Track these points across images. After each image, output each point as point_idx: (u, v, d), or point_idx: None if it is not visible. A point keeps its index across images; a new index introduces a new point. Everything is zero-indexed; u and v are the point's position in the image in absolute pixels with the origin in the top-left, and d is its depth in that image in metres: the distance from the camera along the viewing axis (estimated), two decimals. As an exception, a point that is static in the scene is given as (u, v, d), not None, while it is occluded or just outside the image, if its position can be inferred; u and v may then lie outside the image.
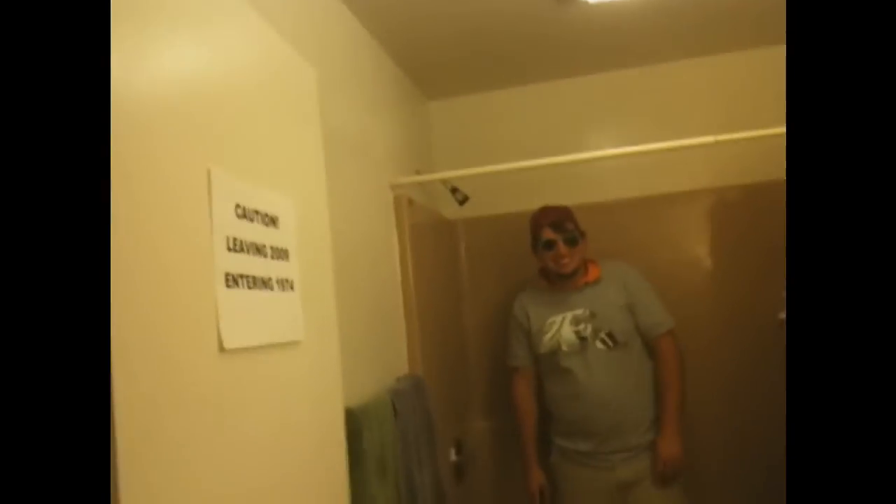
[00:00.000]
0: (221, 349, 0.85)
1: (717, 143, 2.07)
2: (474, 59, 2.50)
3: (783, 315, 2.47)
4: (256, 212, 1.00)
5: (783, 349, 2.17)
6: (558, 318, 2.31)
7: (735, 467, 2.56)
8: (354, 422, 1.41)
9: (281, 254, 1.05)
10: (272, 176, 1.08)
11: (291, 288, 1.06)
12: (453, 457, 2.36)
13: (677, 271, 2.63)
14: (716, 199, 2.69)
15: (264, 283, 0.99)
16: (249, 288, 0.94)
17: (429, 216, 2.48)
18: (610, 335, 2.25)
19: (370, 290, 1.85)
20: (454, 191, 2.54)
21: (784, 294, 2.56)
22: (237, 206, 0.95)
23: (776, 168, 2.07)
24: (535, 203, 2.52)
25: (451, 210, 2.71)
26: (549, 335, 2.31)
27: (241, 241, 0.94)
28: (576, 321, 2.28)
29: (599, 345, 2.25)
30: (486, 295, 2.80)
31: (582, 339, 2.26)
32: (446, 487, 1.89)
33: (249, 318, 0.93)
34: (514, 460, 2.56)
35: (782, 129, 2.00)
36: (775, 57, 2.75)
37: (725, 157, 2.56)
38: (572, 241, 2.26)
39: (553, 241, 2.26)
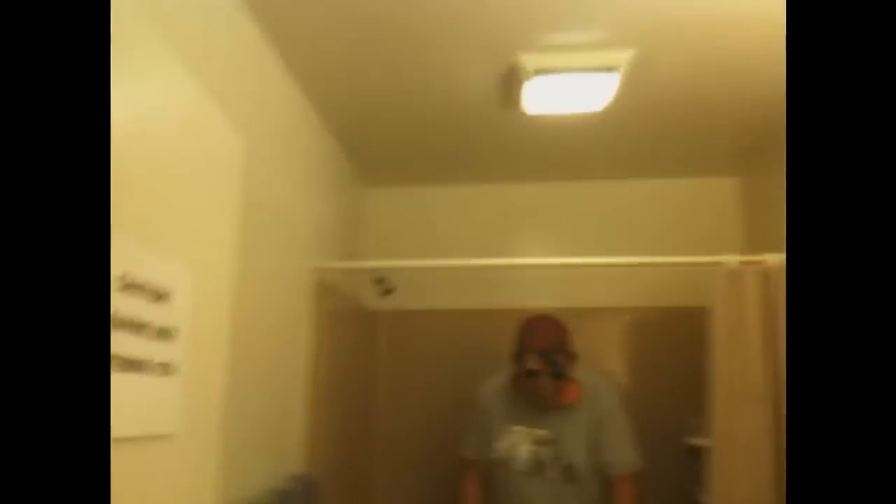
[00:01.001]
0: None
1: (640, 264, 2.09)
2: (417, 152, 2.50)
3: (690, 441, 2.45)
4: (144, 285, 0.90)
5: (691, 474, 2.10)
6: (519, 432, 2.05)
7: None
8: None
9: (165, 334, 0.94)
10: (172, 244, 0.98)
11: (172, 373, 0.95)
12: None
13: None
14: (635, 319, 2.71)
15: (139, 367, 0.88)
16: (122, 371, 0.83)
17: (349, 304, 2.39)
18: (568, 468, 1.99)
19: (272, 377, 1.73)
20: (380, 281, 2.47)
21: (694, 421, 2.52)
22: (124, 275, 0.85)
23: (698, 295, 2.10)
24: (461, 301, 2.47)
25: (374, 300, 2.63)
26: (504, 445, 2.04)
27: (121, 318, 0.83)
28: (536, 442, 2.02)
29: (555, 474, 1.99)
30: (403, 389, 2.68)
31: (538, 462, 2.01)
32: None
33: (116, 406, 0.81)
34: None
35: (708, 258, 2.04)
36: (711, 187, 2.88)
37: (649, 279, 2.61)
38: (558, 376, 1.96)
39: (536, 372, 1.95)
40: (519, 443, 2.02)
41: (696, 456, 2.09)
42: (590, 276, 2.66)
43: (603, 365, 2.69)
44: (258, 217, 1.58)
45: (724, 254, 2.06)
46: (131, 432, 0.85)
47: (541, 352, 1.95)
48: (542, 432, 1.99)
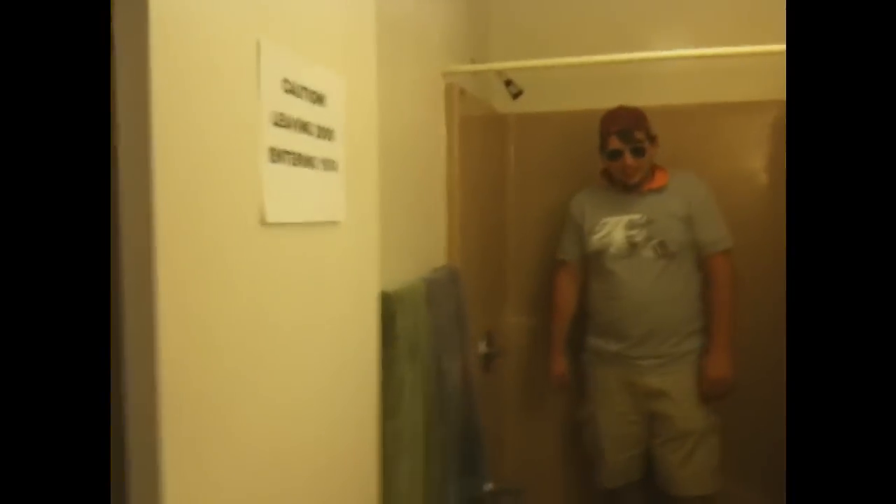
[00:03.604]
0: (263, 222, 0.87)
1: (784, 52, 1.94)
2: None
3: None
4: (304, 88, 0.98)
5: None
6: (613, 220, 2.29)
7: (769, 394, 2.56)
8: (389, 305, 1.45)
9: (326, 133, 1.04)
10: (322, 52, 1.05)
11: (335, 169, 1.06)
12: (483, 348, 2.43)
13: (734, 186, 2.53)
14: (781, 113, 2.55)
15: (308, 162, 0.99)
16: (294, 165, 0.95)
17: (480, 108, 2.42)
18: (662, 244, 2.22)
19: (414, 178, 1.85)
20: (508, 83, 2.46)
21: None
22: (285, 80, 0.93)
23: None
24: (591, 102, 2.43)
25: (503, 103, 2.64)
26: (599, 235, 2.30)
27: (288, 117, 0.93)
28: (630, 225, 2.26)
29: (649, 252, 2.23)
30: (531, 193, 2.77)
31: (633, 244, 2.25)
32: (473, 375, 1.95)
33: (292, 195, 0.94)
34: (543, 356, 2.62)
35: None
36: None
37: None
38: (639, 152, 2.20)
39: (619, 151, 2.20)
40: (613, 229, 2.25)
41: None
42: (732, 68, 2.49)
43: (748, 162, 2.61)
44: (388, 23, 1.60)
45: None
46: (311, 218, 0.99)
47: (619, 132, 2.19)
48: (634, 216, 2.24)
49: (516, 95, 2.45)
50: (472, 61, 2.38)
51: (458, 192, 2.12)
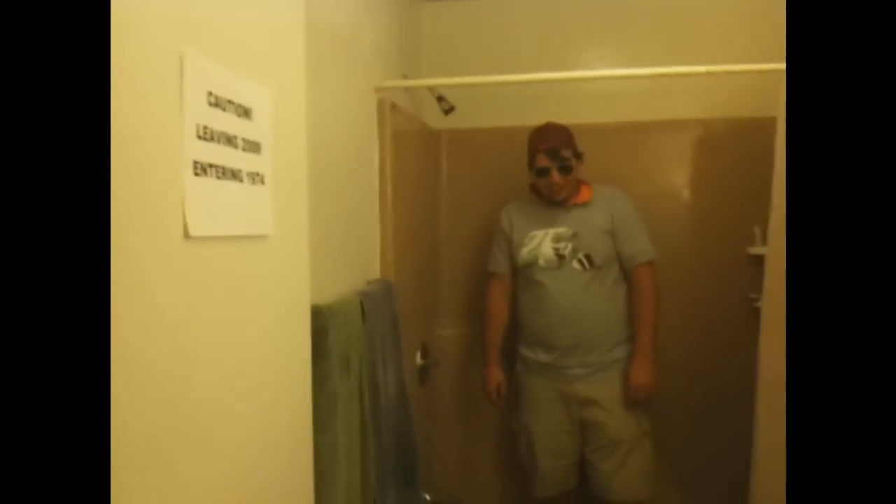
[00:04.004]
0: (187, 236, 0.86)
1: (708, 73, 2.05)
2: (471, -39, 2.41)
3: (753, 250, 2.54)
4: (230, 101, 0.98)
5: (752, 283, 2.22)
6: (540, 234, 2.36)
7: (697, 398, 2.66)
8: (321, 319, 1.45)
9: (253, 146, 1.04)
10: (249, 65, 1.05)
11: (262, 182, 1.06)
12: (419, 360, 2.44)
13: (656, 201, 2.65)
14: (704, 131, 2.68)
15: (234, 175, 0.99)
16: (218, 178, 0.94)
17: (412, 123, 2.45)
18: (588, 257, 2.30)
19: (347, 192, 1.85)
20: (440, 99, 2.50)
21: (756, 230, 2.62)
22: (210, 93, 0.93)
23: (765, 104, 2.06)
24: (522, 119, 2.50)
25: (435, 119, 2.68)
26: (528, 248, 2.36)
27: (212, 131, 0.93)
28: (557, 239, 2.33)
29: (576, 265, 2.31)
30: (464, 206, 2.82)
31: (560, 256, 2.32)
32: (409, 387, 1.96)
33: (217, 208, 0.94)
34: (478, 367, 2.65)
35: (776, 66, 1.97)
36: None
37: (717, 89, 2.54)
38: (566, 170, 2.28)
39: (547, 169, 2.28)
40: (541, 242, 2.34)
41: (758, 265, 2.20)
42: (656, 88, 2.61)
43: (670, 178, 2.72)
44: (320, 36, 1.61)
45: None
46: (237, 231, 0.98)
47: (547, 150, 2.26)
48: (561, 229, 2.31)
49: (448, 111, 2.50)
50: (405, 77, 2.41)
51: (392, 206, 2.13)
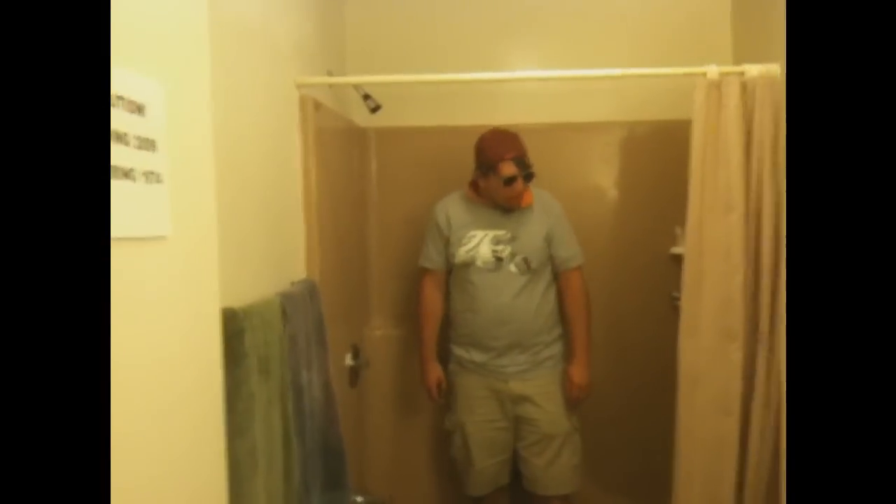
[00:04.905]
0: (71, 238, 0.82)
1: (623, 76, 2.10)
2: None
3: (675, 250, 2.60)
4: (120, 97, 0.94)
5: (675, 283, 2.28)
6: (480, 234, 2.34)
7: (622, 393, 2.72)
8: (235, 321, 1.41)
9: (148, 144, 1.00)
10: (143, 61, 1.01)
11: (159, 181, 1.02)
12: (349, 361, 2.41)
13: (580, 202, 2.68)
14: (626, 132, 2.73)
15: (126, 174, 0.94)
16: (112, 177, 0.90)
17: (337, 121, 2.42)
18: (525, 260, 2.31)
19: (267, 192, 1.81)
20: (366, 97, 2.47)
21: (677, 230, 2.68)
22: (97, 89, 0.89)
23: (683, 107, 2.11)
24: (449, 118, 2.50)
25: (364, 117, 2.65)
26: (465, 248, 2.35)
27: (100, 128, 0.89)
28: (496, 241, 2.33)
29: (513, 268, 2.31)
30: (394, 205, 2.80)
31: (498, 259, 2.31)
32: (334, 388, 1.93)
33: (113, 209, 0.89)
34: (412, 365, 2.64)
35: (689, 69, 2.02)
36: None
37: (640, 91, 2.60)
38: (530, 178, 2.28)
39: (514, 178, 2.24)
40: (479, 243, 2.33)
41: (679, 264, 2.25)
42: (579, 89, 2.65)
43: (593, 179, 2.76)
44: (230, 31, 1.56)
45: (714, 63, 2.02)
46: (129, 233, 0.94)
47: (515, 159, 2.23)
48: (500, 232, 2.30)
49: (374, 110, 2.48)
50: (329, 74, 2.37)
51: (316, 206, 2.10)
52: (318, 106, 2.13)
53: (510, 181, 2.24)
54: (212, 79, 1.24)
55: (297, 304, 1.78)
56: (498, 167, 2.24)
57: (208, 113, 1.22)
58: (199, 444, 1.20)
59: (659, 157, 2.64)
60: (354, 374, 2.45)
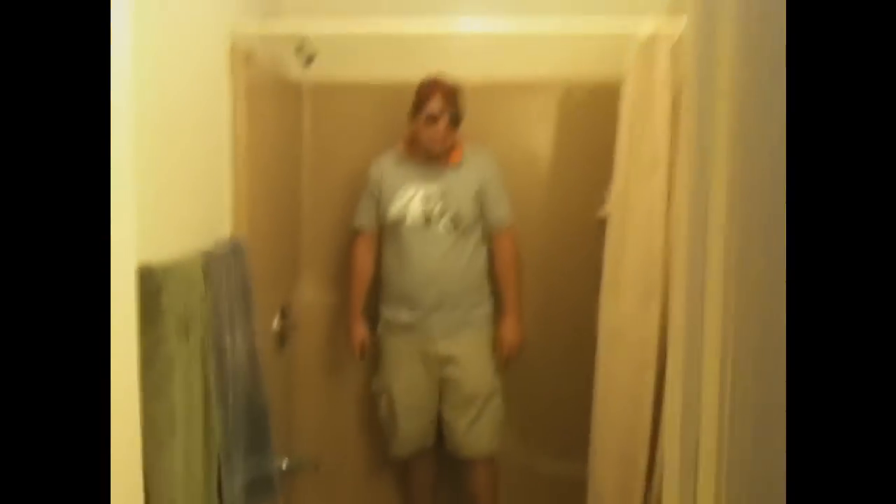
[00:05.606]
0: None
1: (563, 34, 2.07)
2: None
3: (602, 213, 2.63)
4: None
5: (602, 246, 2.29)
6: (411, 191, 2.33)
7: (547, 354, 2.75)
8: (153, 279, 1.35)
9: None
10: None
11: (67, 127, 0.95)
12: (277, 323, 2.37)
13: (516, 163, 2.66)
14: (562, 92, 2.70)
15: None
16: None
17: (269, 76, 2.32)
18: (455, 218, 2.31)
19: (191, 147, 1.72)
20: (300, 48, 2.37)
21: (606, 192, 2.69)
22: None
23: (619, 66, 2.10)
24: (391, 73, 2.44)
25: (299, 72, 2.55)
26: (396, 206, 2.33)
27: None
28: (426, 199, 2.32)
29: (441, 228, 2.31)
30: (328, 164, 2.72)
31: (428, 217, 2.31)
32: (260, 351, 1.89)
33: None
34: (341, 329, 2.61)
35: (626, 26, 2.00)
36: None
37: (578, 50, 2.55)
38: (456, 121, 2.25)
39: (436, 117, 2.23)
40: (410, 201, 2.32)
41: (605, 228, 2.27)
42: (523, 44, 2.58)
43: (528, 139, 2.74)
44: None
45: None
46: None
47: (443, 95, 2.22)
48: (431, 189, 2.29)
49: (308, 62, 2.38)
50: (263, 19, 2.26)
51: (245, 162, 2.02)
52: (249, 58, 2.04)
53: (431, 120, 2.23)
54: (133, 19, 1.16)
55: (222, 263, 1.71)
56: (425, 104, 2.24)
57: (127, 59, 1.14)
58: (113, 405, 1.14)
59: (594, 119, 2.62)
60: (283, 337, 2.40)
